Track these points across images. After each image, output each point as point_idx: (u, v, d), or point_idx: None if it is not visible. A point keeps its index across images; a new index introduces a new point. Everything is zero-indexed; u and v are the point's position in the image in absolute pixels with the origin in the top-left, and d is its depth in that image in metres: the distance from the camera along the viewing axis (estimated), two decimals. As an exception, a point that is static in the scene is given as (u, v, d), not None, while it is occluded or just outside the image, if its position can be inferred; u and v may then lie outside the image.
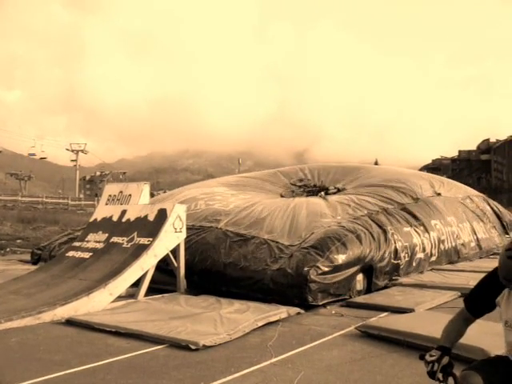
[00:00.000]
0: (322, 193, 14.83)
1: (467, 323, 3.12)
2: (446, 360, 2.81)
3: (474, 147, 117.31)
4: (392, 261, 10.98)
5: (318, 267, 9.24)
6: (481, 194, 20.03)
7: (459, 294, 9.47)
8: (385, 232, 11.24)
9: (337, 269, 9.52)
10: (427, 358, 2.82)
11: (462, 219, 15.82)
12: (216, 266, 10.22)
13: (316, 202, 13.12)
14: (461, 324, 3.12)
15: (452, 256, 13.97)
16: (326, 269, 9.33)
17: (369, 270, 10.34)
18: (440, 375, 2.76)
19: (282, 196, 15.02)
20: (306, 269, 9.16)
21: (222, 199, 13.59)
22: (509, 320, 2.92)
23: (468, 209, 17.07)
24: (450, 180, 20.61)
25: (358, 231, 10.64)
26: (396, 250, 11.17)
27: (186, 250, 10.35)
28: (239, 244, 10.50)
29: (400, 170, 19.47)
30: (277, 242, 10.21)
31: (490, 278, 3.04)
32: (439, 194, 15.90)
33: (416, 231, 12.49)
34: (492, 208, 19.10)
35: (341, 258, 9.68)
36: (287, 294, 9.09)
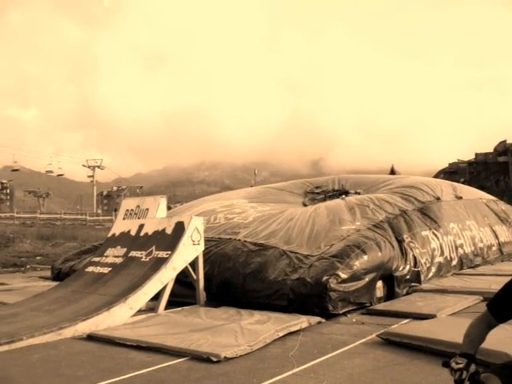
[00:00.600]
0: (343, 195, 14.83)
1: (489, 329, 2.97)
2: (473, 368, 2.73)
3: (490, 149, 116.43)
4: (412, 268, 10.91)
5: (337, 275, 9.20)
6: (500, 201, 20.11)
7: (481, 298, 9.38)
8: (403, 240, 11.21)
9: (356, 276, 9.47)
10: (453, 365, 2.73)
11: (484, 223, 15.80)
12: (235, 278, 10.21)
13: (335, 204, 13.14)
14: (483, 329, 2.96)
15: (472, 260, 13.88)
16: (346, 276, 9.29)
17: (389, 278, 10.29)
18: (468, 383, 2.71)
19: (304, 205, 15.00)
20: (325, 278, 9.11)
21: (241, 212, 13.62)
22: None
23: (491, 211, 17.11)
24: (471, 187, 20.85)
25: (377, 238, 10.61)
26: (415, 258, 11.11)
27: (204, 261, 10.36)
28: (258, 253, 10.49)
29: (421, 177, 19.63)
30: (296, 253, 10.20)
31: None
32: (460, 198, 15.90)
33: (435, 234, 12.44)
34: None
35: (360, 265, 9.65)
36: (307, 304, 9.05)
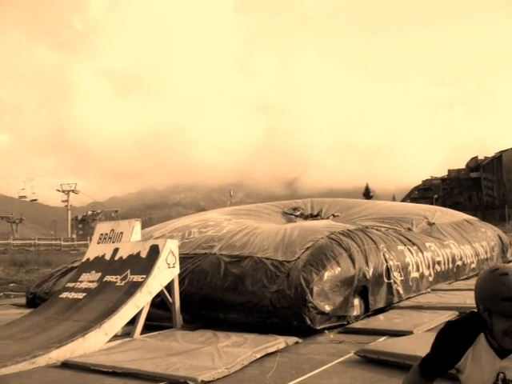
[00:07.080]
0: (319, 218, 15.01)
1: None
2: None
3: (462, 165, 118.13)
4: (385, 280, 10.95)
5: (315, 288, 9.25)
6: (475, 218, 20.54)
7: (457, 313, 9.43)
8: (377, 249, 11.24)
9: (334, 290, 9.53)
10: None
11: (463, 241, 16.06)
12: (214, 293, 10.20)
13: (312, 222, 13.26)
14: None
15: (450, 277, 14.00)
16: (324, 289, 9.35)
17: (364, 291, 10.31)
18: None
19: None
20: (304, 290, 9.16)
21: (215, 225, 13.63)
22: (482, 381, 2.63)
23: (472, 230, 17.50)
24: (445, 208, 21.39)
25: (351, 248, 10.56)
26: (388, 269, 11.13)
27: (182, 279, 10.39)
28: (234, 266, 10.49)
29: (392, 203, 20.01)
30: (272, 260, 10.21)
31: (449, 341, 2.81)
32: (433, 224, 16.18)
33: (409, 250, 12.49)
34: (495, 230, 19.94)
35: (337, 279, 9.70)
36: (286, 317, 9.10)
